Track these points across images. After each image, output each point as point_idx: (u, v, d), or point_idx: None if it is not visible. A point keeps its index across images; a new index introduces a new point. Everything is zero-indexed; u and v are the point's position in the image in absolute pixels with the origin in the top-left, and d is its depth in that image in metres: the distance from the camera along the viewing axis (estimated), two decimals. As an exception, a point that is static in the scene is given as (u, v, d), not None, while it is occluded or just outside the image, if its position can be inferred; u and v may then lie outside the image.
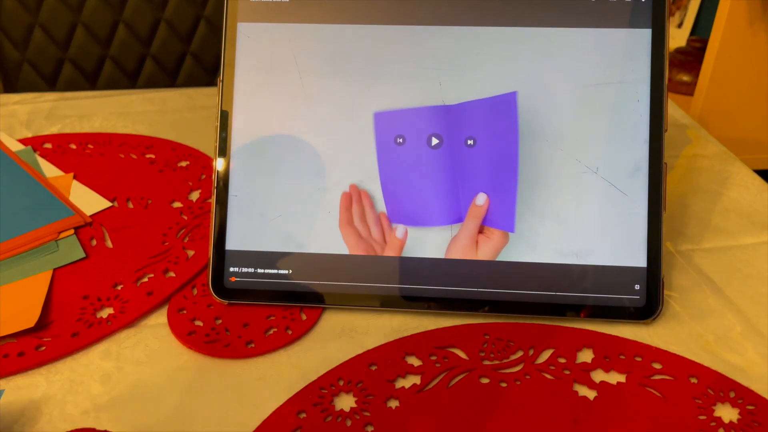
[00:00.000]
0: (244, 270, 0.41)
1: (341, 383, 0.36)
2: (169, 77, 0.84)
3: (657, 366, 0.37)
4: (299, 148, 0.42)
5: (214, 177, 0.42)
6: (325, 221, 0.41)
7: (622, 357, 0.37)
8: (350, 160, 0.42)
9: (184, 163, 0.58)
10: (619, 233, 0.40)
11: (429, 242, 0.41)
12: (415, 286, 0.41)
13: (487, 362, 0.37)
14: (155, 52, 0.83)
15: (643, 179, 0.40)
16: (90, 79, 0.83)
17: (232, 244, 0.42)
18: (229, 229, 0.42)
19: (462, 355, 0.38)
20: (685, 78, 0.85)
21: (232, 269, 0.42)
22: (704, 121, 0.64)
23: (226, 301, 0.42)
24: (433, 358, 0.38)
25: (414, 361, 0.38)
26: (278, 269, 0.41)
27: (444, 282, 0.41)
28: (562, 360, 0.37)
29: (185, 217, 0.51)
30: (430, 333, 0.39)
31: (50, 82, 0.82)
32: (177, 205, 0.53)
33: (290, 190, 0.42)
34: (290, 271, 0.41)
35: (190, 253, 0.47)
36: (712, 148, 0.60)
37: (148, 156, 0.59)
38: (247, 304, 0.41)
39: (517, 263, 0.40)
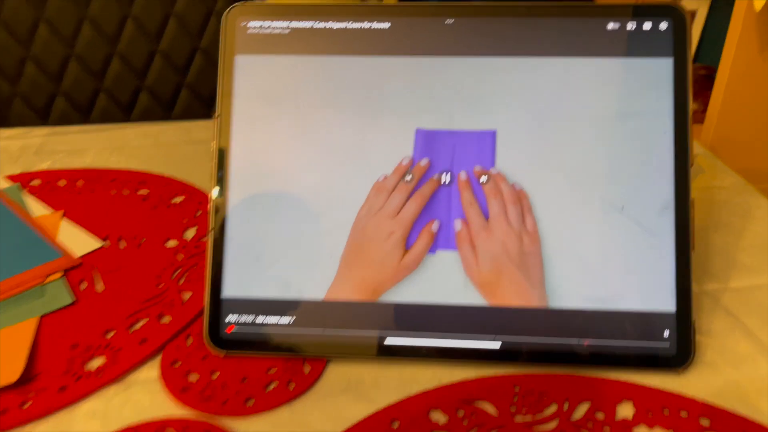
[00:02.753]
0: (242, 319, 0.39)
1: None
2: (165, 110, 0.82)
3: (705, 423, 0.34)
4: (300, 188, 0.39)
5: (210, 219, 0.39)
6: (327, 266, 0.39)
7: (666, 412, 0.34)
8: (353, 200, 0.39)
9: (178, 199, 0.55)
10: (646, 276, 0.37)
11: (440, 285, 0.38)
12: (428, 333, 0.38)
13: (519, 418, 0.34)
14: (150, 84, 0.81)
15: (670, 217, 0.38)
16: (83, 113, 0.81)
17: (229, 291, 0.39)
18: (226, 275, 0.39)
19: (491, 410, 0.35)
20: (693, 106, 0.83)
21: (229, 318, 0.39)
22: (716, 149, 0.62)
23: (222, 352, 0.39)
24: (461, 413, 0.35)
25: (439, 418, 0.35)
26: (278, 318, 0.38)
27: (460, 329, 0.38)
28: (600, 415, 0.34)
29: (180, 257, 0.48)
30: (454, 386, 0.36)
31: (42, 116, 0.79)
32: (172, 243, 0.50)
33: (290, 233, 0.39)
34: (291, 320, 0.38)
35: (186, 295, 0.44)
36: (729, 178, 0.57)
37: (141, 192, 0.57)
38: (245, 355, 0.38)
39: (539, 309, 0.37)
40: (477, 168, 0.39)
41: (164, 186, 0.57)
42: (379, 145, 0.39)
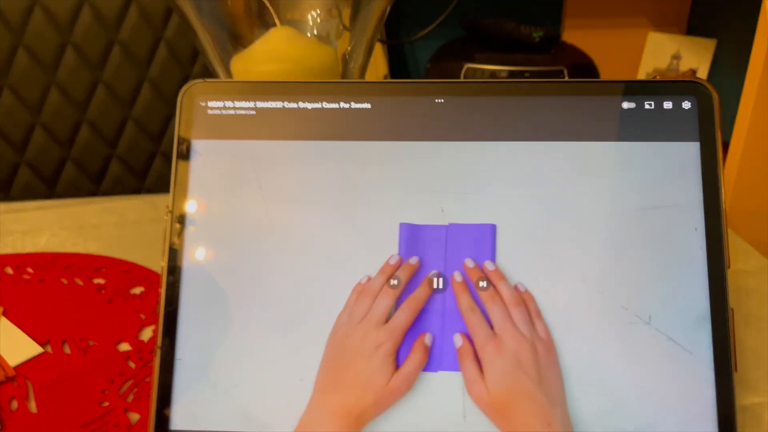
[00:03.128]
0: (195, 458, 0.32)
1: None
2: (138, 179, 0.76)
3: None
4: (266, 294, 0.33)
5: (157, 334, 0.33)
6: (298, 391, 0.32)
7: None
8: (329, 307, 0.33)
9: (137, 290, 0.49)
10: (681, 402, 0.31)
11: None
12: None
13: None
14: (122, 152, 0.76)
15: (707, 330, 0.32)
16: (49, 184, 0.75)
17: (178, 422, 0.32)
18: (175, 403, 0.32)
19: None
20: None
21: (179, 457, 0.32)
22: (734, 225, 0.57)
23: (170, 502, 0.32)
24: None
25: None
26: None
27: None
28: None
29: (132, 365, 0.41)
30: None
31: (4, 188, 0.74)
32: (124, 347, 0.43)
33: (251, 351, 0.33)
34: (256, 460, 0.32)
35: (134, 418, 0.37)
36: (754, 262, 0.52)
37: (96, 281, 0.50)
38: (197, 505, 0.32)
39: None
40: (469, 263, 0.33)
41: (123, 273, 0.51)
42: (359, 243, 0.33)
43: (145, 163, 0.76)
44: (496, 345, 0.32)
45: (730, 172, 0.59)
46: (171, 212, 0.34)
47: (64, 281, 0.50)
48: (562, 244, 0.33)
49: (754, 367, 0.40)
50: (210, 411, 0.32)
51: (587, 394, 0.31)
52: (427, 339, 0.33)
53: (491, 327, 0.32)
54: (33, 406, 0.38)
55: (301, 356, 0.32)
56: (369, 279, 0.33)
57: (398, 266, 0.33)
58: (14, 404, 0.39)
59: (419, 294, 0.33)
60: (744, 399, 0.38)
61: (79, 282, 0.50)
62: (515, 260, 0.33)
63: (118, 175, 0.76)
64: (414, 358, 0.32)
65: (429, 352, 0.32)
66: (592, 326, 0.32)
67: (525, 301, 0.33)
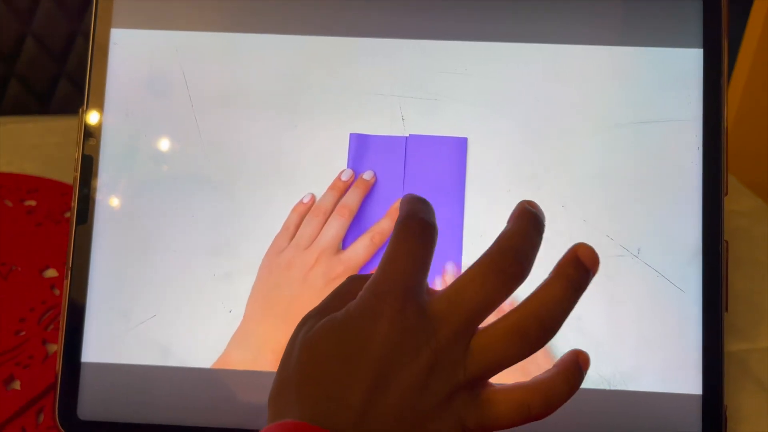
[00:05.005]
0: (107, 394, 0.28)
1: None
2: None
3: None
4: (190, 215, 0.29)
5: (68, 255, 0.29)
6: (225, 325, 0.28)
7: None
8: (263, 230, 0.28)
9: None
10: (668, 347, 0.27)
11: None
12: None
13: None
14: (71, 70, 0.70)
15: (697, 266, 0.28)
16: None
17: (90, 354, 0.28)
18: (87, 333, 0.28)
19: None
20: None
21: (90, 392, 0.28)
22: (730, 165, 0.53)
23: (78, 442, 0.28)
24: None
25: None
26: (154, 392, 0.28)
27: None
28: None
29: (57, 292, 0.37)
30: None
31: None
32: (50, 273, 0.39)
33: (172, 278, 0.28)
34: (177, 397, 0.28)
35: (51, 348, 0.33)
36: (748, 202, 0.48)
37: (27, 203, 0.45)
38: (110, 446, 0.28)
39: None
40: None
41: (58, 196, 0.46)
42: (302, 155, 0.29)
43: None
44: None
45: (729, 112, 0.54)
46: (84, 111, 0.29)
47: (-8, 202, 0.45)
48: (541, 162, 0.28)
49: (743, 312, 0.37)
50: (125, 342, 0.28)
51: (560, 334, 0.28)
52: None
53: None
54: (-61, 334, 0.34)
55: (232, 284, 0.28)
56: (313, 197, 0.29)
57: (350, 183, 0.29)
58: None
59: (383, 225, 0.29)
60: (731, 345, 0.34)
61: (9, 203, 0.45)
62: (485, 181, 0.29)
63: (68, 93, 0.70)
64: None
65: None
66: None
67: None
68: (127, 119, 0.29)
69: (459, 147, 0.29)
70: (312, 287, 0.28)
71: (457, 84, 0.29)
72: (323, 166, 0.29)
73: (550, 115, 0.29)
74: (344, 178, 0.29)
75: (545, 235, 0.28)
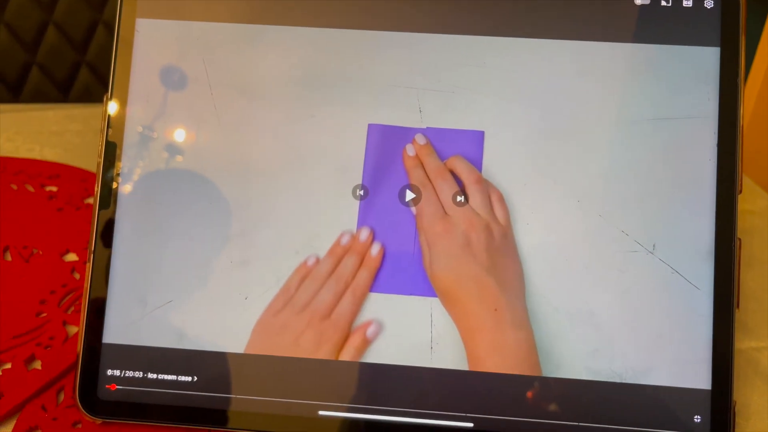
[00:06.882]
0: (128, 374, 0.28)
1: None
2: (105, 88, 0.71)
3: None
4: (207, 201, 0.29)
5: (91, 238, 0.29)
6: (240, 311, 0.28)
7: None
8: (283, 222, 0.29)
9: (92, 200, 0.45)
10: (676, 342, 0.28)
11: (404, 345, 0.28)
12: (377, 406, 0.28)
13: None
14: (91, 59, 0.71)
15: (710, 263, 0.28)
16: (12, 90, 0.70)
17: (110, 335, 0.29)
18: (109, 313, 0.29)
19: None
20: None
21: (110, 372, 0.29)
22: (746, 165, 0.52)
23: (98, 420, 0.28)
24: None
25: None
26: (176, 376, 0.28)
27: (425, 403, 0.28)
28: None
29: (77, 276, 0.38)
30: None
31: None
32: (71, 257, 0.40)
33: (190, 264, 0.29)
34: (192, 379, 0.28)
35: (72, 330, 0.34)
36: (761, 201, 0.48)
37: (48, 189, 0.46)
38: (129, 425, 0.28)
39: (528, 378, 0.28)
40: (420, 140, 0.29)
41: (79, 182, 0.47)
42: (320, 145, 0.29)
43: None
44: (444, 226, 0.28)
45: (752, 87, 0.54)
46: (108, 100, 0.30)
47: (14, 187, 0.46)
48: (559, 157, 0.29)
49: (754, 310, 0.37)
50: (144, 325, 0.29)
51: (574, 328, 0.28)
52: (370, 331, 0.29)
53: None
54: (-37, 314, 0.35)
55: (248, 272, 0.29)
56: (316, 260, 0.29)
57: (349, 247, 0.29)
58: (-57, 311, 0.35)
59: (361, 280, 0.29)
60: (742, 343, 0.35)
61: (30, 188, 0.46)
62: (503, 173, 0.29)
63: (88, 83, 0.71)
64: (352, 343, 0.29)
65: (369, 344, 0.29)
66: (587, 252, 0.28)
67: (488, 186, 0.29)
68: (149, 107, 0.30)
69: (476, 140, 0.29)
70: (305, 351, 0.28)
71: (475, 77, 0.29)
72: (340, 156, 0.29)
73: (567, 111, 0.29)
74: (343, 242, 0.29)
75: (562, 230, 0.28)
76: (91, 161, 0.49)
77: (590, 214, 0.28)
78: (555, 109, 0.29)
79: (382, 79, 0.29)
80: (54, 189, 0.46)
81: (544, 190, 0.29)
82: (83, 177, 0.48)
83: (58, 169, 0.49)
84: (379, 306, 0.29)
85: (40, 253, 0.40)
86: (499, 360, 0.28)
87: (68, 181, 0.47)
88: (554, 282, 0.28)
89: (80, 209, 0.44)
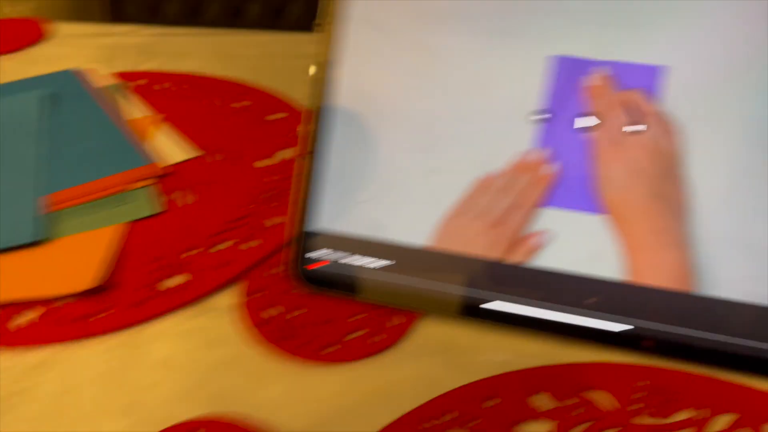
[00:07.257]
0: (334, 255, 0.34)
1: (447, 418, 0.29)
2: (275, 18, 0.77)
3: None
4: (410, 117, 0.34)
5: (308, 140, 0.35)
6: (428, 212, 0.33)
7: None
8: (468, 139, 0.33)
9: (277, 116, 0.51)
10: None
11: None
12: (543, 303, 0.32)
13: (639, 419, 0.29)
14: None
15: None
16: (192, 16, 0.78)
17: (321, 223, 0.35)
18: (319, 205, 0.34)
19: (607, 403, 0.29)
20: None
21: (318, 253, 0.35)
22: None
23: (308, 289, 0.35)
24: (570, 402, 0.29)
25: (545, 402, 0.29)
26: (373, 260, 0.34)
27: (583, 303, 0.32)
28: (744, 432, 0.28)
29: (275, 178, 0.44)
30: (566, 368, 0.31)
31: (153, 14, 0.77)
32: (264, 163, 0.46)
33: (388, 168, 0.34)
34: (387, 264, 0.34)
35: (273, 221, 0.41)
36: None
37: (241, 104, 0.53)
38: (332, 296, 0.34)
39: (686, 295, 0.31)
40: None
41: (265, 100, 0.53)
42: (504, 75, 0.33)
43: (282, 2, 0.77)
44: (619, 152, 0.32)
45: None
46: (321, 25, 0.34)
47: (215, 101, 0.53)
48: (735, 93, 0.30)
49: None
50: (350, 217, 0.34)
51: (734, 254, 0.30)
52: (539, 239, 0.32)
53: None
54: (190, 199, 0.43)
55: (436, 180, 0.33)
56: (496, 175, 0.33)
57: (525, 165, 0.32)
58: (174, 195, 0.43)
59: (534, 195, 0.32)
60: None
61: (226, 104, 0.53)
62: (680, 108, 0.31)
63: (259, 12, 0.78)
64: (520, 248, 0.33)
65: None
66: (754, 186, 0.30)
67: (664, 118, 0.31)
68: (362, 34, 0.34)
69: (654, 74, 0.31)
70: (478, 251, 0.33)
71: (658, 10, 0.31)
72: (522, 84, 0.33)
73: (750, 47, 0.30)
74: (520, 160, 0.33)
75: (731, 163, 0.30)
76: (272, 81, 0.55)
77: (762, 150, 0.30)
78: (737, 44, 0.30)
79: (565, 11, 0.32)
80: (245, 104, 0.53)
81: (718, 125, 0.31)
82: (267, 97, 0.54)
83: (245, 88, 0.55)
84: (550, 219, 0.32)
85: (240, 157, 0.47)
86: (659, 276, 0.31)
87: (255, 98, 0.54)
88: (719, 212, 0.30)
89: (266, 124, 0.51)
